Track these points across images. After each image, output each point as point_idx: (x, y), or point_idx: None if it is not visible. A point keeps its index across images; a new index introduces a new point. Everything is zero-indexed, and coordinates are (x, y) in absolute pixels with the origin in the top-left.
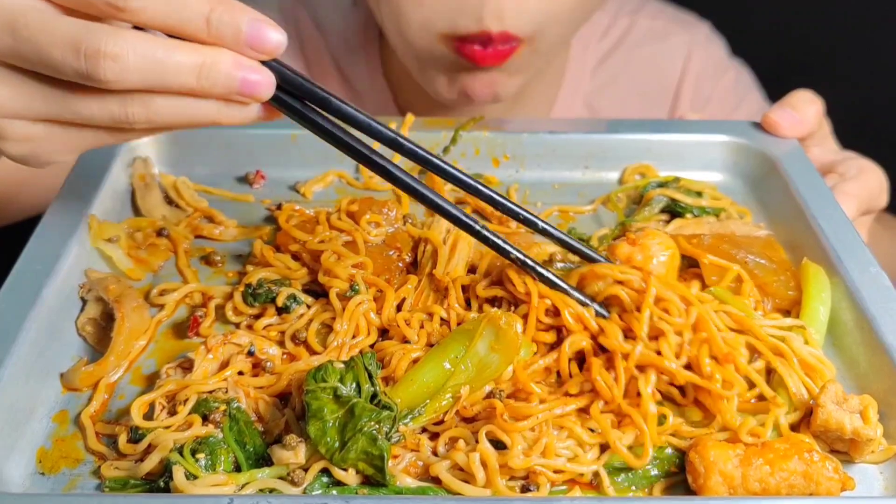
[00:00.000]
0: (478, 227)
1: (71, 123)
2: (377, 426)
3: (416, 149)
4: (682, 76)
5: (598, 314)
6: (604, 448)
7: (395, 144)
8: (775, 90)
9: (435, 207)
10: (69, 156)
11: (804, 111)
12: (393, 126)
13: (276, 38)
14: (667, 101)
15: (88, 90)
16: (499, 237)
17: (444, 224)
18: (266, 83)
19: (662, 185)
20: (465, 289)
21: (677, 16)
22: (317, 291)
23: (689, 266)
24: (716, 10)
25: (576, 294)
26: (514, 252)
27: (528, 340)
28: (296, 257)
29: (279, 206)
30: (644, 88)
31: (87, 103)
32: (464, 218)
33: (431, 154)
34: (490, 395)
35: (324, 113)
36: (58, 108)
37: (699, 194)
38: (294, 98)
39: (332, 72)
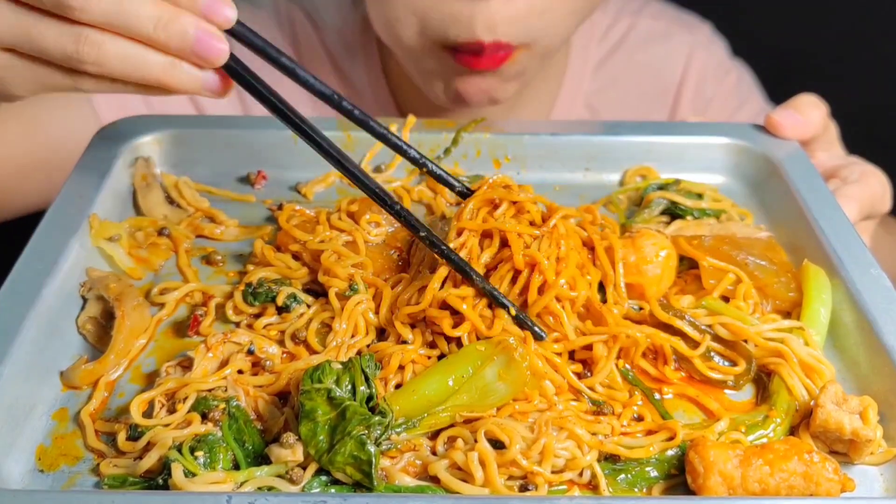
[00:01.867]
0: (397, 208)
1: (30, 57)
2: (366, 431)
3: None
4: (684, 77)
5: (535, 336)
6: (607, 457)
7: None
8: (776, 92)
9: (358, 183)
10: (27, 90)
11: (807, 113)
12: (394, 127)
13: (228, 13)
14: (668, 102)
15: (50, 17)
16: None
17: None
18: (221, 49)
19: (663, 187)
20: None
21: (679, 17)
22: (317, 291)
23: (690, 268)
24: (717, 12)
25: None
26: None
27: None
28: (296, 257)
29: (280, 207)
30: (645, 89)
31: (47, 31)
32: (381, 193)
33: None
34: None
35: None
36: (21, 34)
37: (700, 196)
38: (251, 77)
39: (329, 71)
